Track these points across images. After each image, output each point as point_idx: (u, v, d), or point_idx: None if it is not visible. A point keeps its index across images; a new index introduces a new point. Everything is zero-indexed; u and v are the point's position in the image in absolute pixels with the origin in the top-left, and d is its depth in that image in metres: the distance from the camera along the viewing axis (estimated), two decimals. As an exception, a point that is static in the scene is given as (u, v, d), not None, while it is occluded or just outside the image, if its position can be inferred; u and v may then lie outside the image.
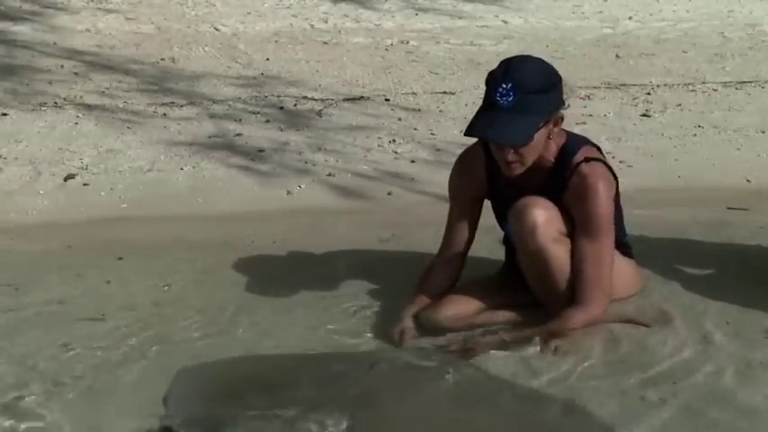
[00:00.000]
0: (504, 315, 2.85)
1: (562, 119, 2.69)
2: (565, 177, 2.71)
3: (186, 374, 2.54)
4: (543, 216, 2.66)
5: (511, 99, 2.55)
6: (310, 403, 2.32)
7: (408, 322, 2.79)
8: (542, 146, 2.66)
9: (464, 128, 2.64)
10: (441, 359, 2.59)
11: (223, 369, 2.61)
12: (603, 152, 2.86)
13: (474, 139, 2.83)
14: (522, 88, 2.55)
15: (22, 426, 2.28)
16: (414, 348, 2.67)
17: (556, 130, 2.68)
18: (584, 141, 2.80)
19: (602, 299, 2.70)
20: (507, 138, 2.59)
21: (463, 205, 2.94)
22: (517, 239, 2.73)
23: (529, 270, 2.76)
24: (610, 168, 2.78)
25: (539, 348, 2.63)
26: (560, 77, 2.66)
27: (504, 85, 2.56)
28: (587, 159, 2.71)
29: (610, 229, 2.71)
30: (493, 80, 2.61)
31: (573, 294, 2.70)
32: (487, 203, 2.96)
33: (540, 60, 2.69)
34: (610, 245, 2.71)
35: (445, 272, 2.93)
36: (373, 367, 2.52)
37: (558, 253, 2.68)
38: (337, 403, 2.31)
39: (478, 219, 2.95)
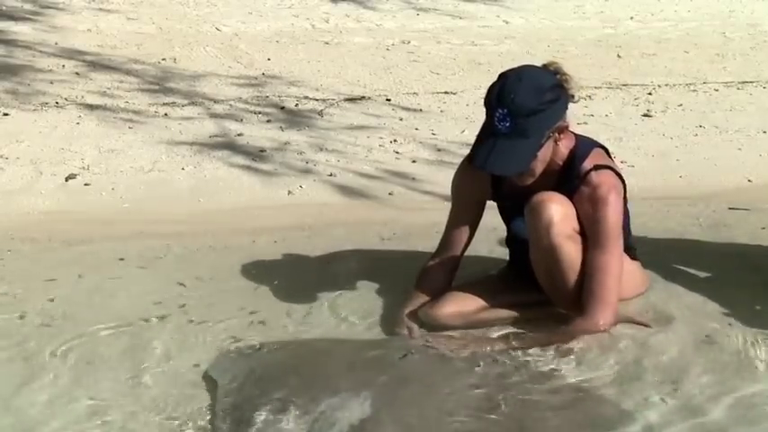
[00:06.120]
0: (504, 314, 2.86)
1: (567, 127, 2.67)
2: (573, 184, 2.70)
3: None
4: (560, 213, 2.65)
5: (508, 125, 2.55)
6: (340, 388, 2.37)
7: (411, 320, 2.80)
8: (549, 156, 2.66)
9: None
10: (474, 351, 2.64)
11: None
12: (610, 153, 2.86)
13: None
14: (516, 113, 2.54)
15: None
16: (448, 339, 2.70)
17: (562, 137, 2.67)
18: (592, 145, 2.78)
19: (605, 311, 2.67)
20: (506, 168, 2.60)
21: (465, 207, 2.93)
22: (531, 234, 2.71)
23: (539, 265, 2.74)
24: (618, 174, 2.76)
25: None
26: (558, 86, 2.61)
27: (500, 110, 2.55)
28: (596, 167, 2.70)
29: (618, 239, 2.69)
30: (489, 103, 2.60)
31: (580, 300, 2.69)
32: (492, 204, 2.95)
33: (536, 75, 2.62)
34: (618, 255, 2.69)
35: (442, 272, 2.93)
36: (407, 355, 2.57)
37: (571, 250, 2.67)
38: (367, 389, 2.37)
39: (479, 221, 2.95)
